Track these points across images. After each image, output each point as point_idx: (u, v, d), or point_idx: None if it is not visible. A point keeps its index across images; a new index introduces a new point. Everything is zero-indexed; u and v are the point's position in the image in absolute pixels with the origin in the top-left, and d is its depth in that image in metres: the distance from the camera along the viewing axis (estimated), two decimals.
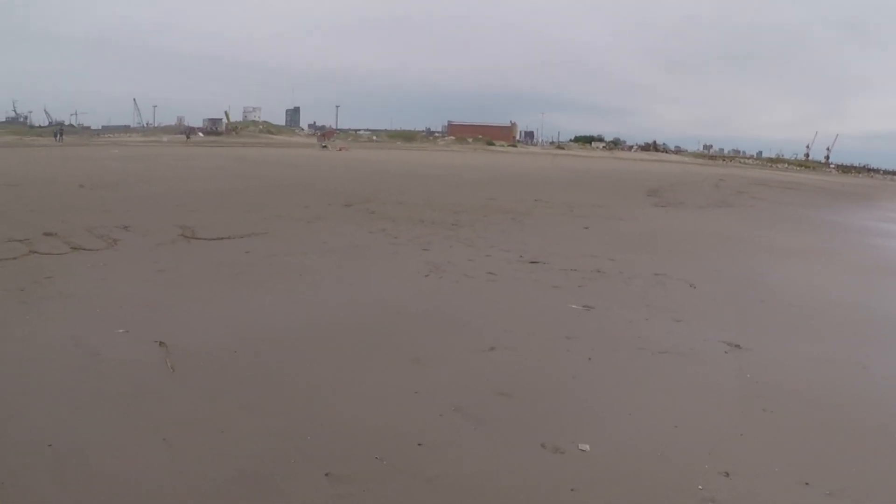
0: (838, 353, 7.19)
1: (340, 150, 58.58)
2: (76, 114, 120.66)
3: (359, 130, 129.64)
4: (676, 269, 11.30)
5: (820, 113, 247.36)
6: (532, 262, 11.36)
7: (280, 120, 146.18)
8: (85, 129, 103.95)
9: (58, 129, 68.32)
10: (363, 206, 17.63)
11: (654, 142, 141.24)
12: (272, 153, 50.80)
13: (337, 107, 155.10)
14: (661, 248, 13.93)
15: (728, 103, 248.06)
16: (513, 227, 15.58)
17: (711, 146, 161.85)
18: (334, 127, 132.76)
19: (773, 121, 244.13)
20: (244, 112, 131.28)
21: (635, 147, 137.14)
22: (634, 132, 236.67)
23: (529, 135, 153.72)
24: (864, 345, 7.61)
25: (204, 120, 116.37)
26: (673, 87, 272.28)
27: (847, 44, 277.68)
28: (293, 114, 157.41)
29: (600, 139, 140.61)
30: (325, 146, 60.92)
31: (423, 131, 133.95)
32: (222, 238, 11.84)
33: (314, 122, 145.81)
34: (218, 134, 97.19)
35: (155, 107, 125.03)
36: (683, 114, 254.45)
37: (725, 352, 7.00)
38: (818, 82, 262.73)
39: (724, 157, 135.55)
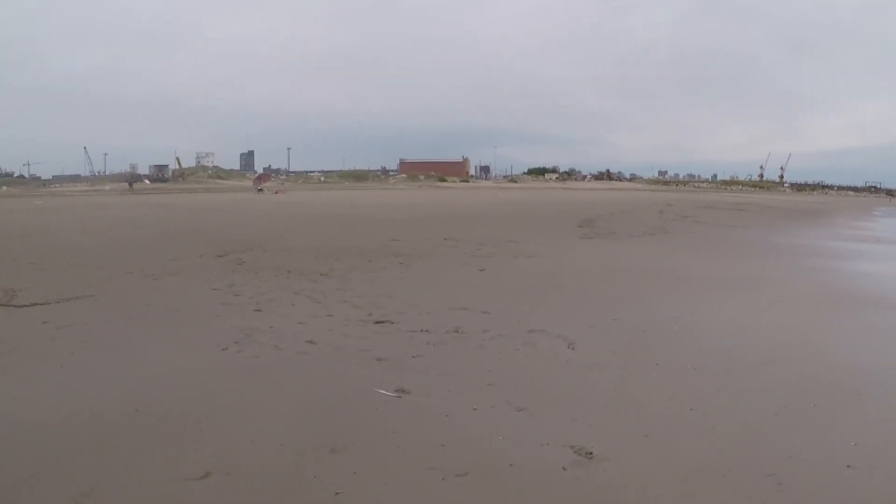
0: (748, 463, 4.68)
1: (276, 193, 56.27)
2: (28, 164, 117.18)
3: (310, 172, 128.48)
4: (562, 321, 8.87)
5: (773, 134, 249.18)
6: (378, 322, 8.86)
7: (235, 164, 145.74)
8: (35, 180, 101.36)
9: None
10: (238, 256, 15.34)
11: (608, 171, 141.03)
12: (205, 199, 48.05)
13: (289, 149, 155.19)
14: (560, 290, 11.55)
15: (682, 129, 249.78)
16: (392, 274, 13.11)
17: (666, 172, 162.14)
18: (287, 169, 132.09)
19: (726, 144, 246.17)
20: (197, 157, 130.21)
21: (589, 177, 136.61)
22: (590, 161, 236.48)
23: (485, 169, 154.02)
24: (795, 430, 5.13)
25: (150, 166, 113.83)
26: (627, 115, 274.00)
27: (795, 65, 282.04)
28: (247, 157, 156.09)
29: (554, 170, 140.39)
30: (260, 189, 58.56)
31: (375, 171, 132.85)
32: (36, 304, 9.84)
33: (269, 165, 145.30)
34: (164, 180, 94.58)
35: (106, 154, 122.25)
36: (639, 141, 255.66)
37: (565, 468, 4.46)
38: (769, 104, 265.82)
39: (677, 183, 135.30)
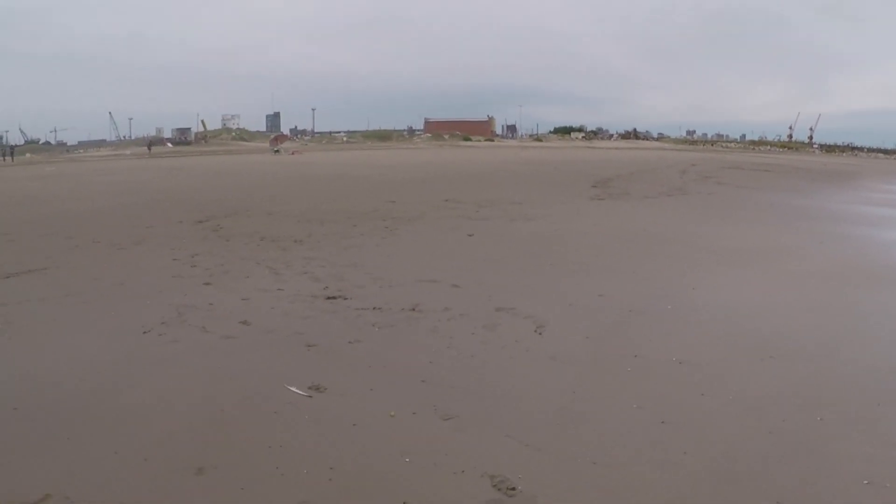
0: None
1: (293, 154, 55.24)
2: (55, 131, 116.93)
3: (335, 133, 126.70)
4: (538, 297, 7.75)
5: (802, 94, 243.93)
6: (330, 298, 7.78)
7: (261, 126, 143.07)
8: (60, 146, 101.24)
9: (7, 150, 64.78)
10: (218, 222, 14.54)
11: (634, 130, 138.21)
12: (219, 161, 47.18)
13: (313, 109, 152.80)
14: (547, 258, 10.40)
15: (710, 88, 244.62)
16: (371, 241, 12.06)
17: (695, 132, 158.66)
18: (311, 130, 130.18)
19: (755, 104, 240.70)
20: (223, 120, 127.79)
21: (615, 136, 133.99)
22: (618, 121, 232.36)
23: (511, 128, 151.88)
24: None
25: (172, 130, 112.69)
26: (655, 74, 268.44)
27: (826, 23, 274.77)
28: (273, 119, 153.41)
29: (580, 129, 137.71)
30: (277, 151, 57.50)
31: (399, 130, 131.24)
32: None
33: (295, 127, 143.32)
34: (187, 143, 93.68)
35: (131, 119, 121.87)
36: (667, 101, 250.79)
37: None
38: (799, 63, 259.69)
39: (705, 142, 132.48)
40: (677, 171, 35.48)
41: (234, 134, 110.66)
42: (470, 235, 12.60)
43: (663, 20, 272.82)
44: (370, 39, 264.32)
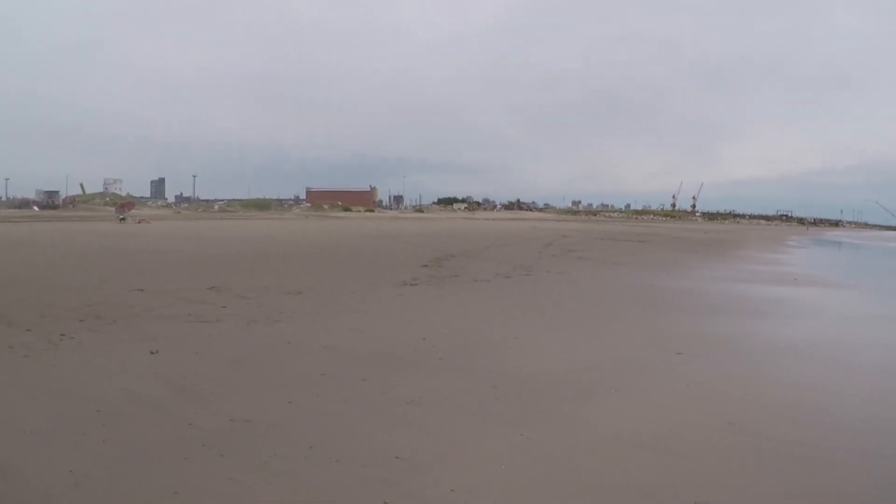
0: None
1: (139, 222, 49.45)
2: None
3: (215, 201, 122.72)
4: None
5: (686, 163, 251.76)
6: None
7: (146, 191, 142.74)
8: None
9: None
10: None
11: (518, 200, 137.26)
12: (43, 229, 40.21)
13: (194, 177, 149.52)
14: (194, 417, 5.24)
15: (598, 159, 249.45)
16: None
17: (580, 202, 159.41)
18: (194, 197, 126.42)
19: (641, 173, 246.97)
20: (104, 183, 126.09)
21: (499, 206, 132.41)
22: (507, 191, 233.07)
23: (398, 198, 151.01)
24: None
25: (37, 192, 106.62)
26: (544, 145, 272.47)
27: (710, 95, 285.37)
28: (158, 185, 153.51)
29: (463, 200, 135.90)
30: (123, 218, 51.39)
31: (277, 199, 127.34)
32: None
33: (181, 193, 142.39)
34: (54, 207, 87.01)
35: (7, 179, 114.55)
36: (555, 171, 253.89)
37: None
38: (683, 134, 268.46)
39: (588, 212, 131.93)
40: (541, 245, 31.51)
41: (107, 199, 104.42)
42: (152, 353, 7.52)
43: (552, 92, 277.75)
44: (261, 106, 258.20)
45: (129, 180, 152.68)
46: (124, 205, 64.52)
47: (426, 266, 19.67)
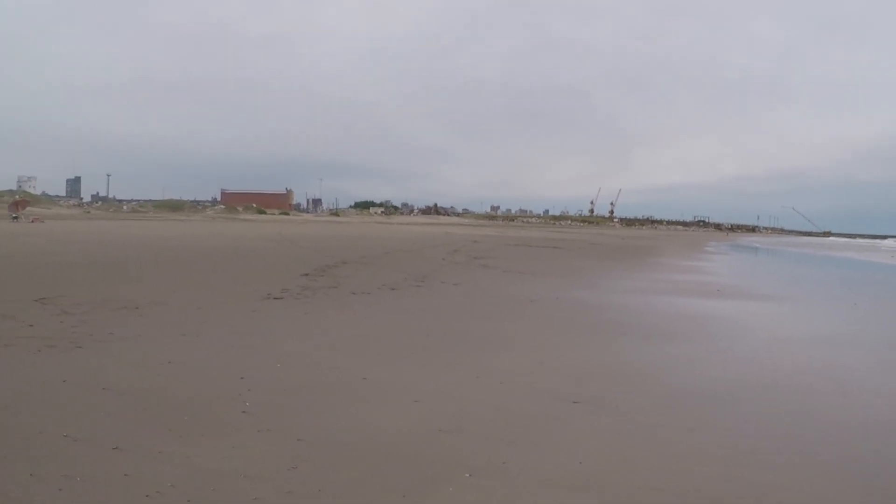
0: None
1: (33, 221, 45.74)
2: None
3: (128, 201, 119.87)
4: None
5: (605, 169, 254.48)
6: None
7: (61, 189, 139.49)
8: None
9: None
10: None
11: (436, 205, 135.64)
12: None
13: (108, 175, 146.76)
14: None
15: (517, 164, 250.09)
16: None
17: (499, 207, 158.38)
18: (108, 196, 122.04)
19: (560, 179, 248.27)
20: (18, 181, 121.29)
21: (416, 211, 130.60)
22: (425, 196, 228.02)
23: (317, 201, 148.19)
24: None
25: None
26: (463, 150, 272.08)
27: (628, 102, 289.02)
28: (73, 183, 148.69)
29: (380, 205, 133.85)
30: (15, 217, 47.29)
31: (193, 201, 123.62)
32: None
33: (97, 192, 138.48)
34: None
35: None
36: (474, 176, 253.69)
37: None
38: (602, 140, 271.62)
39: (506, 217, 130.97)
40: (447, 251, 29.24)
41: (16, 197, 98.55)
42: None
43: (472, 96, 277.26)
44: (181, 108, 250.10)
45: (46, 178, 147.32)
46: (17, 203, 59.99)
47: (307, 275, 17.15)
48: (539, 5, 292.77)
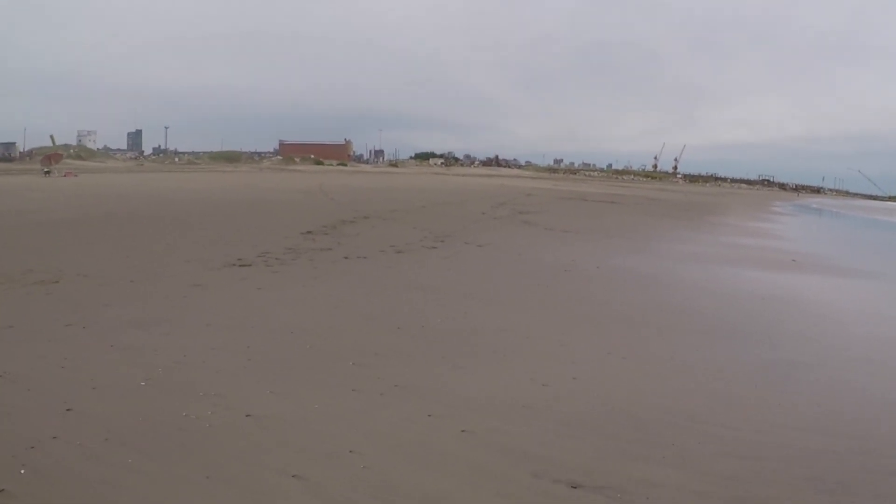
0: None
1: (66, 175, 43.76)
2: None
3: (183, 153, 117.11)
4: None
5: (670, 125, 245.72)
6: None
7: (122, 143, 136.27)
8: None
9: None
10: None
11: (497, 157, 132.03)
12: None
13: (166, 128, 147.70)
14: None
15: (581, 118, 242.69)
16: None
17: (562, 160, 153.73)
18: (164, 148, 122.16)
19: (624, 134, 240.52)
20: (78, 135, 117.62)
21: (477, 162, 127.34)
22: (489, 147, 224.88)
23: (380, 152, 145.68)
24: None
25: None
26: (527, 103, 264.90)
27: (695, 59, 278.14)
28: (135, 137, 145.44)
29: (441, 156, 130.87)
30: (47, 172, 45.48)
31: (248, 153, 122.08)
32: None
33: (159, 145, 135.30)
34: (10, 160, 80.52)
35: None
36: (538, 129, 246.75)
37: None
38: (668, 96, 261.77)
39: (566, 171, 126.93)
40: (491, 205, 26.40)
41: (71, 152, 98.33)
42: None
43: (538, 50, 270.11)
44: (242, 56, 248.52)
45: (106, 132, 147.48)
46: (51, 156, 58.37)
47: (309, 233, 14.61)
48: None
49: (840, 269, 13.97)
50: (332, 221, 16.79)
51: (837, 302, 10.11)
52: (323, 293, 8.38)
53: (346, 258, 11.26)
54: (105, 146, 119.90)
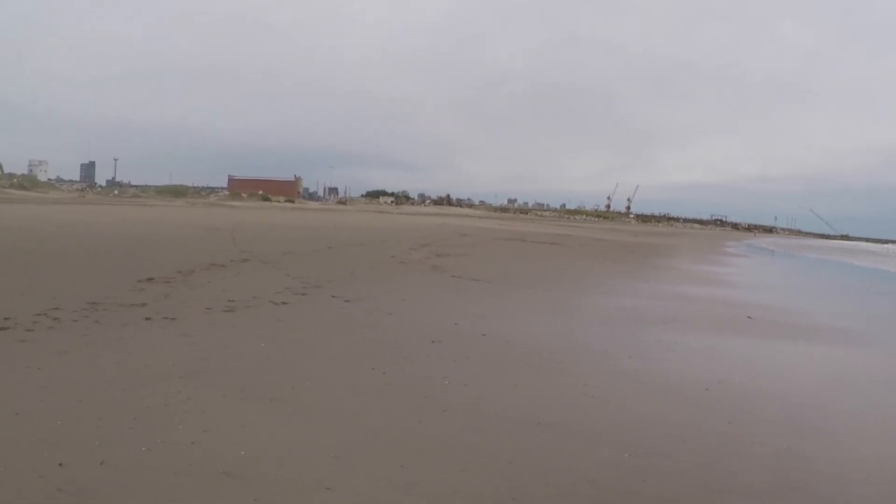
0: None
1: None
2: None
3: (130, 185, 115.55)
4: None
5: (624, 165, 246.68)
6: None
7: (75, 174, 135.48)
8: None
9: None
10: None
11: (448, 195, 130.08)
12: None
13: (115, 160, 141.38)
14: None
15: (537, 158, 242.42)
16: None
17: (516, 200, 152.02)
18: (115, 181, 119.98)
19: (579, 174, 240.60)
20: (29, 165, 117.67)
21: (428, 201, 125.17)
22: (444, 187, 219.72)
23: (333, 190, 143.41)
24: None
25: None
26: (484, 143, 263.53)
27: (653, 99, 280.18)
28: (88, 168, 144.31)
29: (391, 194, 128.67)
30: None
31: (195, 187, 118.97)
32: None
33: (113, 178, 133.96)
34: None
35: None
36: (494, 169, 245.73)
37: None
38: (623, 137, 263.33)
39: (517, 210, 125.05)
40: (412, 245, 23.30)
41: (14, 181, 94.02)
42: None
43: (495, 90, 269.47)
44: (198, 92, 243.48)
45: (61, 163, 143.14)
46: None
47: (150, 280, 11.39)
48: (567, 0, 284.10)
49: (807, 328, 10.90)
50: (198, 265, 13.52)
51: (814, 389, 6.93)
52: (34, 385, 4.97)
53: (147, 319, 7.93)
54: (58, 177, 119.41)
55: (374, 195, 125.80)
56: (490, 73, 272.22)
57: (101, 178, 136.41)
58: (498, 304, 11.35)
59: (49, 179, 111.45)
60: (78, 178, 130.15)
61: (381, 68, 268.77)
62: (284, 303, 10.09)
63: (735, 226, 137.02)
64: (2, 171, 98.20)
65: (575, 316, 10.58)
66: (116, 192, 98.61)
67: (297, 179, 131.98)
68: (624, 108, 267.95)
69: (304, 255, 18.02)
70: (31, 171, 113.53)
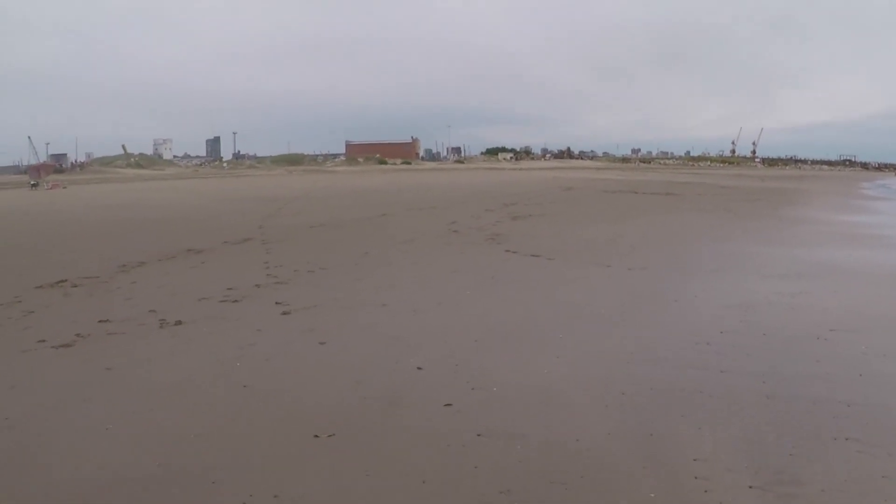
0: None
1: (51, 188, 38.07)
2: None
3: (250, 157, 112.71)
4: None
5: (748, 109, 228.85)
6: None
7: (201, 150, 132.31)
8: None
9: None
10: None
11: (568, 149, 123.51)
12: None
13: (234, 133, 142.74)
14: None
15: (658, 106, 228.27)
16: None
17: (640, 150, 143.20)
18: (236, 153, 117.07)
19: (702, 120, 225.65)
20: (154, 144, 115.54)
21: (548, 155, 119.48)
22: (565, 140, 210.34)
23: (456, 149, 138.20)
24: None
25: (49, 156, 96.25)
26: (605, 93, 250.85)
27: (773, 40, 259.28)
28: (213, 143, 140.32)
29: (511, 150, 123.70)
30: (34, 184, 39.69)
31: (312, 155, 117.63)
32: None
33: (238, 152, 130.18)
34: (60, 171, 76.92)
35: (48, 144, 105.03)
36: (615, 120, 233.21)
37: None
38: (746, 79, 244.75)
39: (642, 160, 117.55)
40: (486, 209, 18.79)
41: (131, 161, 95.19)
42: None
43: (613, 39, 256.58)
44: (318, 61, 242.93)
45: (185, 140, 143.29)
46: (39, 167, 52.24)
47: (123, 266, 7.42)
48: None
49: None
50: (163, 253, 9.70)
51: None
52: None
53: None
54: (185, 153, 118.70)
55: (493, 152, 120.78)
56: (606, 23, 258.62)
57: (226, 152, 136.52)
58: (538, 303, 6.95)
59: (175, 156, 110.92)
60: (204, 154, 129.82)
61: (496, 26, 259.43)
62: (179, 322, 6.08)
63: (865, 165, 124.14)
64: (126, 152, 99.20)
65: (657, 332, 6.03)
66: (226, 164, 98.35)
67: (415, 141, 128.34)
68: (744, 51, 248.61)
69: (335, 228, 14.36)
70: (155, 149, 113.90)
